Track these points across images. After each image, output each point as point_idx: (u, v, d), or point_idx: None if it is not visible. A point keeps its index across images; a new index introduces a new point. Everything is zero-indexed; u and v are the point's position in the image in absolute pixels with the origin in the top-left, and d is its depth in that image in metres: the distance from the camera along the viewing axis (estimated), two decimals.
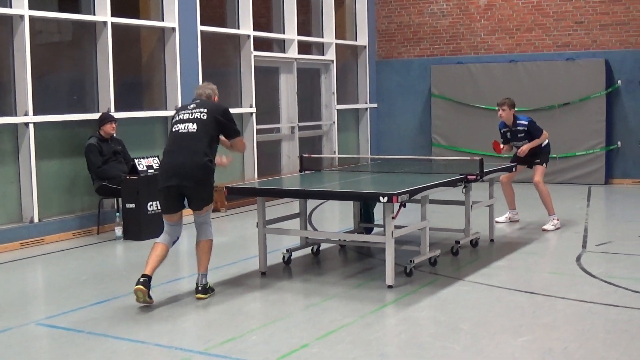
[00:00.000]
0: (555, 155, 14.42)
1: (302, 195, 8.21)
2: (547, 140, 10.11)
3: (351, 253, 8.80)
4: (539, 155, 10.03)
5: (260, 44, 13.86)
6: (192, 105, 6.98)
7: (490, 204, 9.26)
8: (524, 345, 5.46)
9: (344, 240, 8.67)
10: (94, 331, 5.98)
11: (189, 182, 6.73)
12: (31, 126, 9.65)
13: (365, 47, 16.61)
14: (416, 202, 7.53)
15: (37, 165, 9.71)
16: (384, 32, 16.81)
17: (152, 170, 9.96)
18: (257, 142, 13.46)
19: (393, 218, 6.98)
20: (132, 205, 9.74)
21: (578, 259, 8.17)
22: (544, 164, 10.05)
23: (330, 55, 15.56)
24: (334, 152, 15.59)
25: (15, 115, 9.67)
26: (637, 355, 5.24)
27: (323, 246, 8.87)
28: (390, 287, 7.00)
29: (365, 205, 9.28)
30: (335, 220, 11.55)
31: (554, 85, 14.68)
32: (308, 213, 9.77)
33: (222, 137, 7.07)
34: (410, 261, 7.45)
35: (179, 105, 11.07)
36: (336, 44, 15.63)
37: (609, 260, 8.22)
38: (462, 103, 15.51)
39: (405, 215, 7.84)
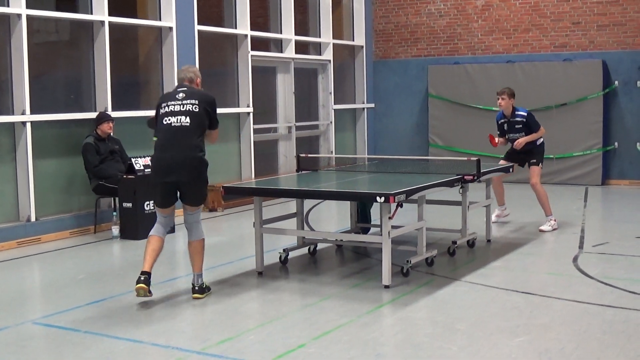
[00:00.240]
0: (552, 156, 14.46)
1: (299, 195, 8.21)
2: (542, 139, 10.08)
3: (348, 253, 8.80)
4: (534, 155, 9.99)
5: (258, 44, 13.86)
6: (180, 95, 6.85)
7: (487, 204, 9.27)
8: (520, 346, 5.46)
9: (341, 240, 8.67)
10: (90, 330, 5.97)
11: (187, 179, 6.71)
12: (28, 125, 9.64)
13: (362, 47, 16.62)
14: (413, 202, 7.53)
15: (34, 164, 9.70)
16: (381, 32, 16.82)
17: (149, 170, 9.94)
18: (254, 142, 13.46)
19: (390, 218, 6.97)
20: (129, 205, 9.74)
21: (575, 259, 8.18)
22: (540, 165, 10.02)
23: (328, 55, 15.56)
24: (331, 152, 15.59)
25: (13, 114, 9.66)
26: (633, 356, 5.25)
27: (320, 246, 8.87)
28: (386, 287, 7.01)
29: (362, 205, 9.28)
30: (332, 220, 11.56)
31: (551, 86, 14.70)
32: (305, 213, 9.77)
33: None
34: (407, 261, 7.45)
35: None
36: (333, 43, 15.64)
37: (605, 261, 8.23)
38: (459, 103, 15.52)
39: (402, 216, 7.85)
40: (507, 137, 10.11)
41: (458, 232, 8.87)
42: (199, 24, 12.19)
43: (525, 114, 9.95)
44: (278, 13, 14.47)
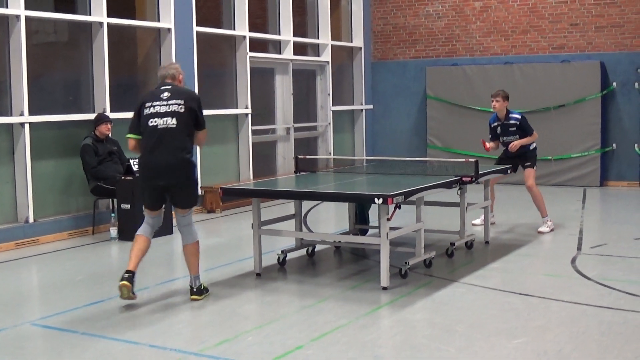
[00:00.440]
0: (550, 157, 14.49)
1: (298, 196, 8.21)
2: (534, 144, 10.06)
3: (346, 254, 8.80)
4: (528, 159, 9.98)
5: (256, 45, 13.86)
6: (165, 94, 6.72)
7: (485, 205, 9.27)
8: (518, 347, 5.47)
9: (339, 242, 8.67)
10: (88, 332, 5.97)
11: (176, 182, 6.67)
12: (27, 126, 9.64)
13: (360, 48, 16.62)
14: (411, 203, 7.53)
15: (32, 165, 9.70)
16: (379, 33, 16.82)
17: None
18: (252, 143, 13.46)
19: (388, 219, 6.98)
20: (127, 206, 9.74)
21: (573, 261, 8.18)
22: (534, 167, 10.02)
23: (326, 56, 15.57)
24: (330, 153, 15.59)
25: (11, 115, 9.66)
26: (631, 357, 5.25)
27: (318, 247, 8.87)
28: (385, 288, 7.01)
29: (360, 206, 9.28)
30: (330, 221, 11.56)
31: (549, 87, 14.71)
32: (303, 214, 9.77)
33: None
34: (405, 263, 7.45)
35: None
36: (332, 45, 15.64)
37: (603, 263, 8.24)
38: (457, 105, 15.53)
39: (400, 217, 7.85)
40: (501, 140, 10.10)
41: (456, 233, 8.87)
42: (197, 25, 12.19)
43: (519, 117, 9.95)
44: (276, 14, 14.47)
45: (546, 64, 14.87)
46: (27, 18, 9.71)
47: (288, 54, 14.48)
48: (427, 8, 16.26)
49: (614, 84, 14.46)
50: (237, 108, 13.31)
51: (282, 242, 9.03)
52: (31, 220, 9.71)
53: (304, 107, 15.51)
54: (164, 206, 6.96)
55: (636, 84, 14.28)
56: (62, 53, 11.17)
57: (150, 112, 6.69)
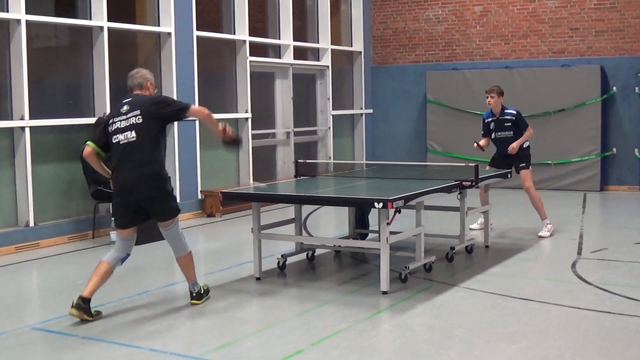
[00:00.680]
0: (550, 162, 14.50)
1: (297, 200, 8.20)
2: (528, 142, 10.00)
3: (346, 259, 8.80)
4: (522, 159, 9.91)
5: (256, 50, 13.88)
6: (124, 108, 6.47)
7: (485, 210, 9.27)
8: (518, 352, 5.46)
9: (339, 246, 8.67)
10: (88, 336, 5.97)
11: (146, 196, 6.40)
12: (27, 130, 9.64)
13: (360, 52, 16.64)
14: (411, 208, 7.53)
15: (32, 169, 9.71)
16: (379, 38, 16.84)
17: None
18: (252, 147, 13.46)
19: (388, 224, 6.98)
20: None
21: (573, 265, 8.18)
22: (530, 167, 10.00)
23: (326, 60, 15.58)
24: (329, 157, 15.59)
25: (12, 119, 9.67)
26: None
27: (318, 252, 8.87)
28: (385, 293, 7.01)
29: (360, 211, 9.28)
30: (330, 226, 11.56)
31: (549, 92, 14.72)
32: (303, 218, 9.78)
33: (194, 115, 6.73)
34: (405, 267, 7.45)
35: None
36: (332, 49, 15.66)
37: (604, 267, 8.24)
38: (457, 109, 15.54)
39: (400, 221, 7.85)
40: (493, 135, 10.04)
41: (456, 238, 8.87)
42: (197, 29, 12.21)
43: (515, 112, 9.90)
44: (276, 19, 14.49)
45: (546, 69, 14.88)
46: (28, 22, 9.72)
47: (288, 58, 14.49)
48: (427, 12, 16.27)
49: (614, 88, 14.47)
50: (237, 112, 13.32)
51: (282, 246, 9.03)
52: (31, 224, 9.71)
53: (304, 111, 15.52)
54: (135, 228, 6.61)
55: (636, 88, 14.29)
56: (63, 57, 11.18)
57: (113, 129, 6.45)
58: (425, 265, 7.83)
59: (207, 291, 6.93)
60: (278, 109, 14.65)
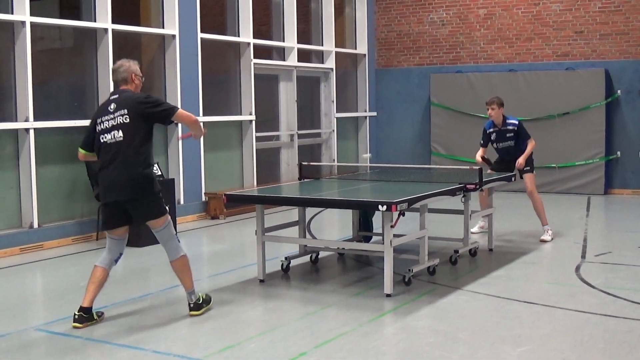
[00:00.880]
0: (554, 165, 14.49)
1: (301, 203, 8.21)
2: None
3: (350, 261, 8.80)
4: (526, 163, 9.87)
5: (260, 52, 13.89)
6: (112, 106, 6.27)
7: (489, 213, 9.26)
8: (522, 356, 5.46)
9: (343, 249, 8.67)
10: (91, 337, 5.98)
11: (128, 197, 6.19)
12: (31, 132, 9.66)
13: (364, 55, 16.64)
14: (415, 211, 7.53)
15: (37, 170, 9.72)
16: (383, 40, 16.84)
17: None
18: (256, 150, 13.47)
19: (392, 227, 6.98)
20: None
21: (577, 269, 8.17)
22: (533, 172, 9.98)
23: (330, 63, 15.59)
24: (333, 160, 15.59)
25: (16, 120, 9.69)
26: None
27: (322, 254, 8.87)
28: (388, 295, 7.00)
29: (364, 213, 9.28)
30: (334, 228, 11.55)
31: (553, 95, 14.70)
32: (307, 221, 9.77)
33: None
34: (409, 270, 7.45)
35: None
36: (336, 52, 15.67)
37: (608, 271, 8.22)
38: (461, 112, 15.53)
39: (404, 224, 7.85)
40: (495, 146, 10.02)
41: (460, 240, 8.86)
42: (202, 31, 12.22)
43: (517, 122, 9.89)
44: (281, 21, 14.50)
45: (550, 72, 14.87)
46: (33, 24, 9.74)
47: (292, 60, 14.50)
48: (431, 15, 16.27)
49: (619, 91, 14.45)
50: (241, 114, 13.33)
51: (285, 248, 9.03)
52: (35, 225, 9.72)
53: (308, 113, 15.52)
54: (126, 228, 6.43)
55: None
56: (67, 59, 11.20)
57: (100, 128, 6.28)
58: (429, 268, 7.82)
59: (207, 300, 6.66)
60: (282, 112, 14.66)
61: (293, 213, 10.06)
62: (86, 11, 10.82)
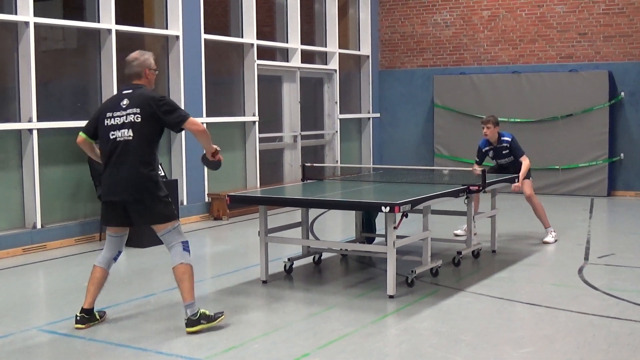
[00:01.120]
0: (558, 167, 14.48)
1: (304, 204, 8.21)
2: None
3: (353, 263, 8.80)
4: (519, 172, 9.86)
5: (264, 53, 13.90)
6: (124, 102, 6.07)
7: (493, 214, 9.26)
8: (525, 357, 5.45)
9: (346, 250, 8.67)
10: (95, 338, 5.98)
11: (132, 198, 6.03)
12: (35, 132, 9.67)
13: (368, 56, 16.65)
14: (418, 212, 7.52)
15: (40, 171, 9.73)
16: (387, 42, 16.84)
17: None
18: (259, 151, 13.47)
19: (395, 228, 6.98)
20: None
21: (580, 271, 8.16)
22: (530, 177, 9.95)
23: (333, 64, 15.59)
24: (337, 161, 15.60)
25: (19, 121, 9.70)
26: None
27: (324, 255, 8.87)
28: (391, 297, 7.00)
29: (367, 214, 9.28)
30: (337, 229, 11.55)
31: (557, 97, 14.69)
32: (310, 222, 9.77)
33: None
34: (412, 271, 7.44)
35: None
36: (339, 53, 15.67)
37: (611, 273, 8.22)
38: (464, 114, 15.52)
39: (407, 226, 7.85)
40: (495, 162, 10.01)
41: (463, 242, 8.86)
42: (205, 32, 12.24)
43: (510, 139, 9.88)
44: (284, 22, 14.51)
45: (554, 74, 14.86)
46: (36, 25, 9.76)
47: (296, 61, 14.51)
48: (435, 17, 16.27)
49: (622, 93, 14.44)
50: (244, 115, 13.33)
51: (288, 249, 9.03)
52: (39, 226, 9.73)
53: (311, 115, 15.53)
54: (124, 228, 6.31)
55: None
56: (71, 60, 11.21)
57: (110, 123, 6.08)
58: (431, 269, 7.82)
59: (208, 317, 6.10)
60: (285, 113, 14.66)
61: (296, 214, 10.06)
62: (90, 12, 10.83)
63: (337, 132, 15.72)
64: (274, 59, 14.43)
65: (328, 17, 15.59)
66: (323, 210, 12.12)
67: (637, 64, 14.39)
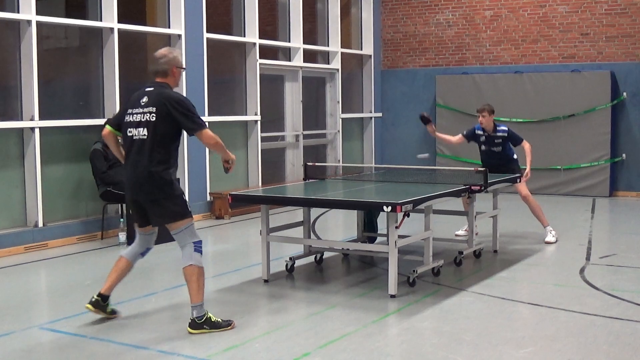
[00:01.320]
0: (560, 167, 14.47)
1: (306, 203, 8.20)
2: (516, 154, 9.98)
3: (354, 262, 8.80)
4: (515, 171, 9.77)
5: (266, 52, 13.90)
6: (144, 99, 6.03)
7: (494, 214, 9.25)
8: (526, 357, 5.45)
9: (347, 249, 8.67)
10: (96, 336, 5.98)
11: (144, 197, 6.04)
12: (37, 131, 9.68)
13: (370, 56, 16.64)
14: (420, 212, 7.52)
15: (42, 169, 9.74)
16: (389, 41, 16.84)
17: None
18: (261, 150, 13.48)
19: (397, 227, 6.98)
20: None
21: (581, 271, 8.16)
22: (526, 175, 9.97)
23: (336, 64, 15.59)
24: (338, 160, 15.60)
25: (21, 119, 9.71)
26: None
27: (326, 255, 8.87)
28: (392, 296, 7.00)
29: (368, 214, 9.28)
30: (338, 229, 11.55)
31: (559, 97, 14.69)
32: (311, 221, 9.77)
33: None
34: (413, 271, 7.45)
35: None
36: (342, 52, 15.67)
37: (612, 273, 8.21)
38: (467, 113, 15.50)
39: (409, 225, 7.84)
40: (483, 148, 10.02)
41: (464, 242, 8.86)
42: (207, 31, 12.24)
43: (507, 129, 9.90)
44: (287, 22, 14.51)
45: (556, 74, 14.85)
46: (39, 23, 9.76)
47: (298, 61, 14.51)
48: (437, 16, 16.27)
49: (625, 94, 14.44)
50: (246, 115, 13.34)
51: (290, 249, 9.04)
52: (40, 224, 9.74)
53: (313, 114, 15.53)
54: (152, 226, 6.32)
55: None
56: (73, 58, 11.22)
57: (129, 120, 6.07)
58: (433, 269, 7.82)
59: (214, 324, 6.04)
60: (287, 112, 14.67)
61: (298, 213, 10.06)
62: (92, 10, 10.84)
63: (339, 131, 15.72)
64: (276, 58, 14.44)
65: (330, 17, 15.59)
66: (325, 209, 12.12)
67: (639, 65, 14.38)
